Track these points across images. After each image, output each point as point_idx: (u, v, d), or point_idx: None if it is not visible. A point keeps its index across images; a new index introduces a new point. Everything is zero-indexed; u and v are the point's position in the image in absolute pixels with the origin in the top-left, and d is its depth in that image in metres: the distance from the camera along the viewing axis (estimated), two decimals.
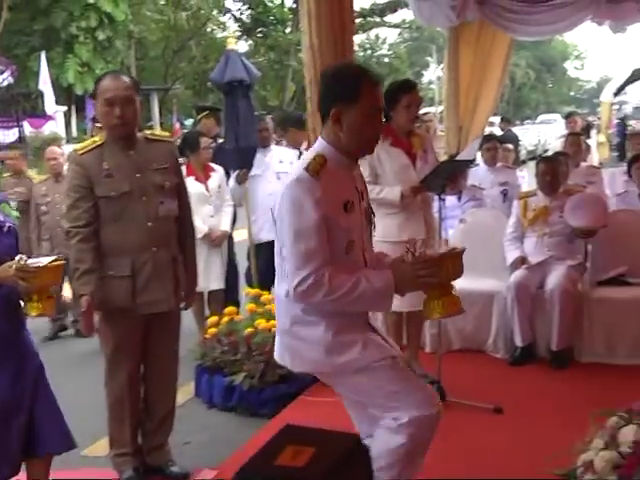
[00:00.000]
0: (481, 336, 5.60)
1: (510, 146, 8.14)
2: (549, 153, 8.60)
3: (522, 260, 5.47)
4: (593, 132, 26.78)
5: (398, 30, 40.75)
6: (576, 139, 7.31)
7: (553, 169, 5.64)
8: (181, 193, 3.92)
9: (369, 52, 40.14)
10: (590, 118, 30.27)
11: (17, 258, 3.15)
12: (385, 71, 36.27)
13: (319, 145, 2.79)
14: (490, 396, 4.59)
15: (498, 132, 12.12)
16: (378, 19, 33.72)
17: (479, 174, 7.14)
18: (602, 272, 5.64)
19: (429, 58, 45.65)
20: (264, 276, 5.92)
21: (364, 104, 2.67)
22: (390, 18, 35.01)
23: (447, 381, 4.62)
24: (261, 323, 5.06)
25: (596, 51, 58.88)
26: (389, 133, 4.75)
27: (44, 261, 3.25)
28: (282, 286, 2.79)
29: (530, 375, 5.19)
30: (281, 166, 6.26)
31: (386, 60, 40.88)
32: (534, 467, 3.69)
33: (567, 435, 3.61)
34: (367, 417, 2.92)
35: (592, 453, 3.42)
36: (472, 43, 7.74)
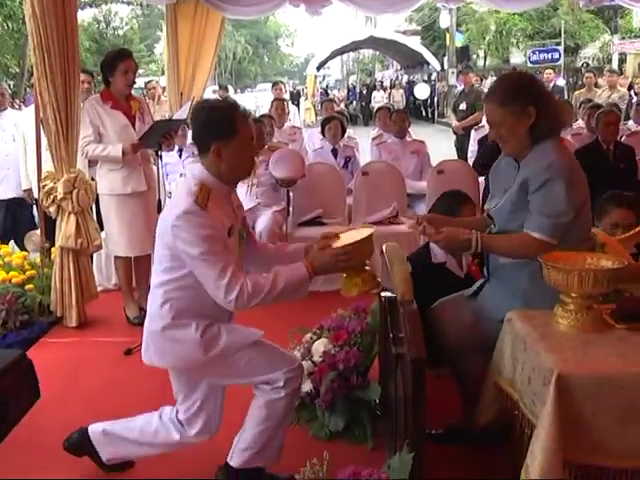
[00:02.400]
0: None
1: None
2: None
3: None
4: (302, 99, 27.82)
5: (131, 6, 39.17)
6: (280, 104, 7.45)
7: (259, 129, 5.72)
8: None
9: (104, 25, 38.06)
10: (300, 87, 31.27)
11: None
12: (120, 42, 34.72)
13: (200, 175, 2.60)
14: None
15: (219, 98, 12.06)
16: None
17: None
18: (302, 215, 5.83)
19: (160, 33, 44.39)
20: (2, 231, 5.51)
21: (241, 138, 2.56)
22: None
23: None
24: (1, 275, 4.77)
25: (304, 31, 60.48)
26: (109, 97, 4.60)
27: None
28: (156, 292, 2.65)
29: None
30: (16, 129, 5.82)
31: (120, 33, 39.07)
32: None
33: None
34: None
35: None
36: (189, 19, 7.56)
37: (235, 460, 2.78)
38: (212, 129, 2.57)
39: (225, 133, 2.55)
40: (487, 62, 33.37)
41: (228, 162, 2.58)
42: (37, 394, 2.68)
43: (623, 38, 25.29)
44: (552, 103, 2.78)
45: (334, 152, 6.54)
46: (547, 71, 12.45)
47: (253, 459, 2.77)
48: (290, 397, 2.74)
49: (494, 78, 23.36)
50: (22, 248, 5.62)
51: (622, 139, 6.33)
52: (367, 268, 2.68)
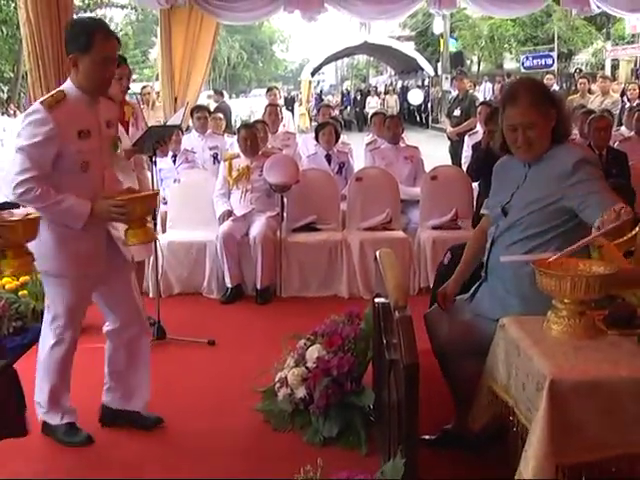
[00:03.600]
0: (197, 280, 5.59)
1: (220, 115, 8.12)
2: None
3: (229, 213, 5.53)
4: (296, 105, 27.84)
5: (125, 11, 39.11)
6: (273, 109, 7.45)
7: (252, 134, 5.74)
8: None
9: None
10: (294, 93, 31.29)
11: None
12: None
13: (65, 83, 3.04)
14: (205, 332, 4.60)
15: (214, 103, 12.07)
16: None
17: (192, 140, 7.09)
18: (296, 221, 5.83)
19: (154, 38, 44.40)
20: None
21: (95, 53, 2.91)
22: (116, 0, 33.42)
23: (168, 321, 4.57)
24: None
25: (298, 36, 60.55)
26: None
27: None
28: None
29: (240, 311, 5.29)
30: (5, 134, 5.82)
31: None
32: (243, 387, 3.78)
33: (270, 359, 3.72)
34: None
35: (286, 371, 3.57)
36: (184, 24, 7.62)
37: None
38: (71, 42, 2.96)
39: (82, 46, 2.91)
40: (481, 68, 33.46)
41: (84, 73, 2.94)
42: (23, 405, 2.60)
43: (616, 44, 25.41)
44: (565, 108, 2.87)
45: (328, 158, 6.55)
46: (547, 76, 12.54)
47: None
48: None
49: (488, 84, 23.48)
50: None
51: (615, 145, 6.35)
52: (148, 225, 3.12)
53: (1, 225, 2.76)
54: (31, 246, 2.90)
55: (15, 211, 3.06)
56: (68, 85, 3.01)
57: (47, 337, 3.23)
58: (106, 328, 3.38)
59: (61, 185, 2.94)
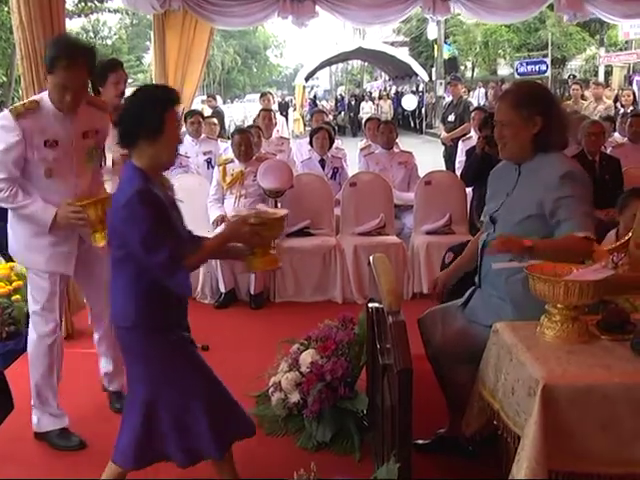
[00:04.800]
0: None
1: (214, 120, 8.12)
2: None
3: (222, 218, 5.50)
4: (290, 110, 27.87)
5: (119, 16, 39.19)
6: (267, 114, 7.43)
7: (247, 139, 5.74)
8: None
9: (91, 34, 38.04)
10: (289, 98, 31.34)
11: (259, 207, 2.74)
12: (108, 52, 34.75)
13: (43, 92, 3.15)
14: (199, 337, 4.53)
15: (208, 108, 12.07)
16: (98, 4, 31.89)
17: (185, 144, 7.07)
18: (290, 226, 5.76)
19: (148, 43, 44.41)
20: None
21: (55, 78, 3.01)
22: (110, 4, 33.45)
23: None
24: None
25: (293, 41, 60.70)
26: None
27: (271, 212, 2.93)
28: None
29: (233, 316, 5.28)
30: None
31: (109, 42, 39.09)
32: (236, 392, 3.76)
33: (263, 363, 3.73)
34: None
35: (280, 375, 3.57)
36: (178, 29, 7.62)
37: None
38: (45, 56, 3.08)
39: (48, 66, 3.02)
40: (475, 73, 33.59)
41: (49, 90, 3.07)
42: (10, 405, 2.65)
43: (607, 52, 25.54)
44: (561, 119, 2.82)
45: (322, 163, 6.55)
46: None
47: None
48: None
49: (482, 89, 23.57)
50: (8, 259, 5.58)
51: (609, 151, 6.38)
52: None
53: (263, 222, 2.62)
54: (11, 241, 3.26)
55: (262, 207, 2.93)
56: (44, 94, 3.13)
57: (30, 331, 3.34)
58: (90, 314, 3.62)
59: (28, 188, 3.12)
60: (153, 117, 2.43)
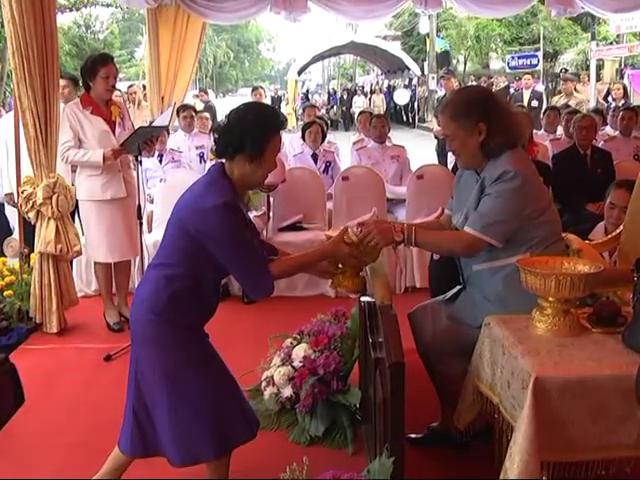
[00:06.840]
0: None
1: (206, 114, 8.09)
2: None
3: None
4: (283, 104, 27.80)
5: (111, 10, 39.02)
6: None
7: None
8: None
9: (84, 29, 37.85)
10: (281, 92, 31.26)
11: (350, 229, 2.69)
12: (100, 46, 34.59)
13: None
14: None
15: (200, 103, 12.04)
16: None
17: (178, 139, 7.07)
18: (282, 220, 5.83)
19: (140, 37, 44.25)
20: None
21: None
22: None
23: None
24: None
25: (285, 35, 60.53)
26: (89, 102, 4.57)
27: None
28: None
29: (226, 310, 5.11)
30: None
31: (101, 36, 38.92)
32: None
33: (256, 358, 3.73)
34: None
35: (272, 370, 3.57)
36: (170, 24, 7.57)
37: None
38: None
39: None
40: (467, 67, 33.57)
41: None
42: (21, 398, 2.63)
43: (597, 45, 25.56)
44: (504, 119, 2.73)
45: (314, 157, 6.54)
46: (525, 77, 12.54)
47: None
48: None
49: (474, 83, 23.56)
50: (0, 254, 5.56)
51: (600, 144, 6.39)
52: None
53: (365, 248, 2.67)
54: None
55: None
56: None
57: None
58: None
59: None
60: (260, 138, 2.43)
